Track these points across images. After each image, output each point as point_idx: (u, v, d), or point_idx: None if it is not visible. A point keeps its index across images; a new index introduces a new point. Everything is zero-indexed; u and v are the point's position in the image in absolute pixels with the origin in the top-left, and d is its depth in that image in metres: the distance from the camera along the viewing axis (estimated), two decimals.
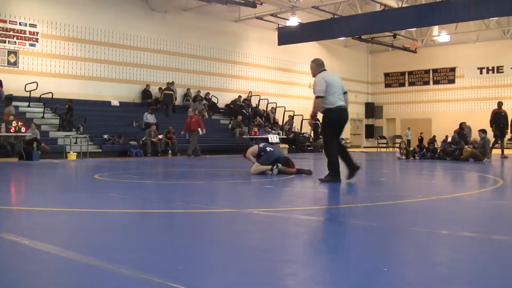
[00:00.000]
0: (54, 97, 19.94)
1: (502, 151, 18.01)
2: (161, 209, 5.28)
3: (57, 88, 20.54)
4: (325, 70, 7.75)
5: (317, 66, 7.75)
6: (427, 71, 35.90)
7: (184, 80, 25.60)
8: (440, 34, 31.70)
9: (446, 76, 35.19)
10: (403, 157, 17.10)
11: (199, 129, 18.81)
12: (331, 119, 7.57)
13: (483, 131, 16.17)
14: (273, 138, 22.83)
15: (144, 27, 24.09)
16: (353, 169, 7.88)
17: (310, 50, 32.64)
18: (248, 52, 29.26)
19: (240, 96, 27.90)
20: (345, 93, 7.76)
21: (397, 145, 24.59)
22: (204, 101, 25.26)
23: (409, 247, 3.50)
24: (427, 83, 36.00)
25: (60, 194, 6.75)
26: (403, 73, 37.04)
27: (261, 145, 9.88)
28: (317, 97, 7.59)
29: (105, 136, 19.31)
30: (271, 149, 9.64)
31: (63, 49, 21.37)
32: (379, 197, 6.54)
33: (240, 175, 10.52)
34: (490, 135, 17.07)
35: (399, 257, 3.23)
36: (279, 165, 9.41)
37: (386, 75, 37.91)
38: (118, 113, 22.19)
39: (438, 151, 17.62)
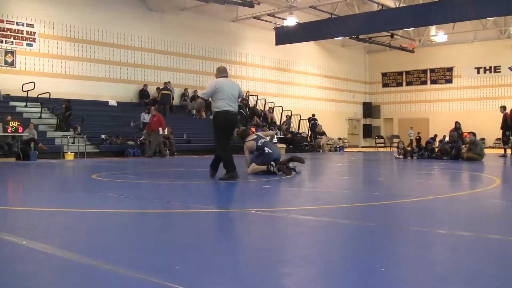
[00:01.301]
0: (51, 97, 19.89)
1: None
2: (159, 209, 5.28)
3: (55, 88, 20.49)
4: (224, 77, 8.32)
5: (218, 73, 8.44)
6: (424, 71, 35.94)
7: (182, 80, 25.59)
8: (438, 34, 31.72)
9: (444, 75, 35.23)
10: (401, 157, 17.11)
11: (160, 128, 17.99)
12: (217, 121, 8.15)
13: (473, 134, 16.50)
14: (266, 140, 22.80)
15: (141, 27, 24.06)
16: (213, 171, 8.42)
17: (308, 50, 32.67)
18: (246, 52, 29.25)
19: None
20: (240, 97, 8.38)
21: (395, 145, 24.63)
22: (201, 101, 25.22)
23: (407, 247, 3.50)
24: (424, 82, 36.04)
25: (58, 194, 6.73)
26: (400, 73, 37.07)
27: (260, 143, 9.76)
28: (199, 97, 8.35)
29: (103, 136, 19.27)
30: (270, 151, 9.57)
31: (61, 49, 21.33)
32: (377, 196, 6.54)
33: (239, 175, 10.50)
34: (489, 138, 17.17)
35: (397, 256, 3.23)
36: (273, 164, 9.36)
37: (384, 74, 37.94)
38: (116, 113, 22.14)
39: (436, 150, 17.63)
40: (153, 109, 19.04)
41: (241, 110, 8.39)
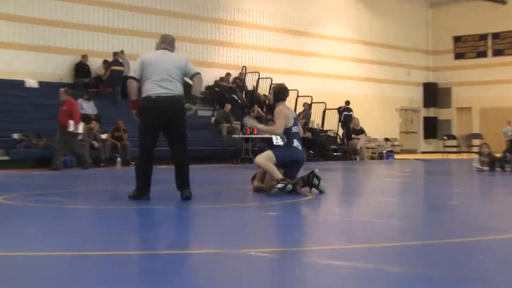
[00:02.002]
0: None
1: None
2: (104, 249, 5.25)
3: None
4: (165, 49, 8.80)
5: (158, 43, 8.99)
6: None
7: (139, 49, 25.59)
8: None
9: None
10: (485, 168, 17.06)
11: (70, 122, 17.38)
12: (141, 111, 8.62)
13: None
14: (279, 139, 22.80)
15: None
16: (181, 188, 8.67)
17: (337, 1, 32.69)
18: (241, 7, 29.30)
19: (228, 74, 27.91)
20: (195, 74, 8.80)
21: (476, 149, 24.57)
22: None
23: None
24: None
25: None
26: (484, 36, 37.07)
27: (294, 124, 9.97)
28: (129, 78, 9.12)
29: (16, 136, 19.24)
30: (298, 146, 9.77)
31: None
32: (446, 230, 6.52)
33: (228, 196, 10.50)
34: None
35: None
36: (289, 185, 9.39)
37: (457, 39, 37.96)
38: (37, 100, 22.12)
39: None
40: (61, 91, 18.17)
41: (192, 95, 8.71)
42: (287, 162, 9.60)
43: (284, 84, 10.40)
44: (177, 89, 8.49)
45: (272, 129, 10.11)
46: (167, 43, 8.85)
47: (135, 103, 8.79)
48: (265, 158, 9.59)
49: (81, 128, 18.18)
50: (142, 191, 8.54)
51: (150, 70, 8.49)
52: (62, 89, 18.36)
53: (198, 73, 8.80)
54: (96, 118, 20.63)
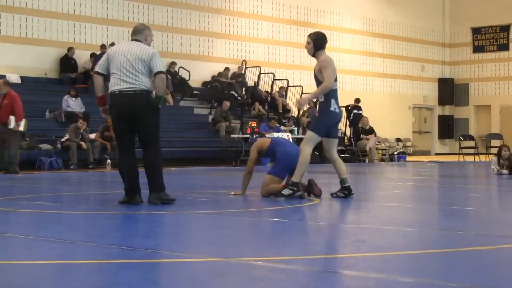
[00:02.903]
0: None
1: None
2: (93, 258, 5.28)
3: None
4: (134, 40, 8.84)
5: (131, 35, 9.05)
6: None
7: None
8: None
9: None
10: (505, 171, 17.08)
11: (11, 118, 16.84)
12: (110, 109, 8.78)
13: None
14: (284, 138, 22.79)
15: None
16: (150, 191, 8.74)
17: None
18: None
19: (227, 69, 27.90)
20: (156, 74, 8.62)
21: (494, 150, 24.58)
22: (167, 77, 25.32)
23: None
24: None
25: None
26: (505, 28, 37.02)
27: (273, 140, 10.11)
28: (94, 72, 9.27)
29: None
30: (285, 150, 9.76)
31: None
32: (464, 238, 6.54)
33: (226, 201, 10.51)
34: None
35: None
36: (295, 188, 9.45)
37: (476, 31, 37.91)
38: (20, 96, 22.13)
39: None
40: (1, 83, 17.61)
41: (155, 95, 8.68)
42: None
43: (321, 31, 10.07)
44: (141, 83, 8.49)
45: (322, 87, 9.43)
46: (136, 32, 8.90)
47: (100, 100, 8.87)
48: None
49: (22, 125, 17.27)
50: (130, 195, 8.64)
51: (114, 63, 8.59)
52: (1, 81, 17.77)
53: (161, 72, 8.66)
54: (83, 116, 20.61)
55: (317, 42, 9.51)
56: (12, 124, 16.61)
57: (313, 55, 9.59)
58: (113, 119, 8.77)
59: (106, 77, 8.78)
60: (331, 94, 9.53)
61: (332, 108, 9.39)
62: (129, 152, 8.73)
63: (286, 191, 9.35)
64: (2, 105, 16.92)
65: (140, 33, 8.84)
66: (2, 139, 17.10)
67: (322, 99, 9.54)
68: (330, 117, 9.49)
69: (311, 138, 9.48)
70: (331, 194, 9.66)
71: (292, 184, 9.39)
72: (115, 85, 8.52)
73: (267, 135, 10.36)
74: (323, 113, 9.53)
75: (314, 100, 28.30)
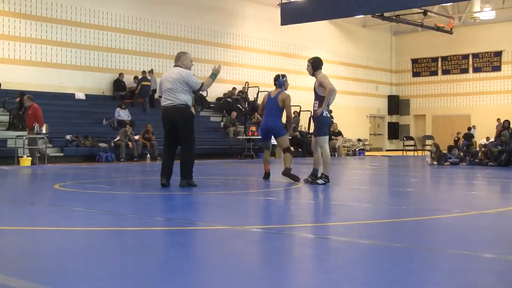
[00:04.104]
0: (2, 87, 19.89)
1: None
2: (137, 226, 5.28)
3: (7, 77, 20.48)
4: (176, 66, 8.82)
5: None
6: (465, 56, 35.94)
7: (165, 68, 25.59)
8: (483, 9, 31.64)
9: (490, 62, 35.17)
10: (435, 162, 17.12)
11: (36, 125, 16.61)
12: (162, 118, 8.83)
13: None
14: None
15: (116, 2, 24.07)
16: (181, 178, 8.71)
17: (321, 31, 32.66)
18: (244, 34, 29.25)
19: (234, 88, 27.90)
20: (199, 89, 8.81)
21: (428, 147, 24.60)
22: (201, 86, 25.27)
23: (443, 273, 3.48)
24: (465, 71, 36.03)
25: (11, 209, 6.72)
26: (435, 59, 37.07)
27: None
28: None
29: (68, 137, 19.28)
30: (327, 114, 9.45)
31: (14, 28, 21.33)
32: (406, 211, 6.54)
33: (234, 184, 10.51)
34: None
35: (430, 286, 3.22)
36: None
37: (414, 61, 37.94)
38: (84, 108, 22.14)
39: (479, 154, 17.62)
40: (26, 98, 17.42)
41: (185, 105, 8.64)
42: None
43: (317, 56, 9.94)
44: (178, 99, 8.49)
45: (328, 93, 9.19)
46: (176, 59, 8.88)
47: None
48: (327, 146, 9.39)
49: (44, 129, 16.95)
50: (162, 179, 8.66)
51: (162, 86, 8.67)
52: (26, 96, 17.57)
53: (201, 86, 8.73)
54: (130, 123, 20.64)
55: (315, 64, 9.41)
56: (36, 130, 16.52)
57: (312, 75, 9.46)
58: (163, 125, 8.78)
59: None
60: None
61: (324, 114, 9.34)
62: (170, 148, 8.78)
63: (320, 181, 9.22)
64: (27, 115, 16.95)
65: (178, 59, 8.81)
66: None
67: (316, 107, 9.33)
68: (326, 120, 9.37)
69: (324, 140, 9.34)
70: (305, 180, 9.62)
71: (325, 177, 9.28)
72: (162, 102, 8.66)
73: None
74: (320, 119, 9.27)
75: (298, 110, 28.41)
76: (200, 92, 9.03)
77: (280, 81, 10.42)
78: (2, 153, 17.00)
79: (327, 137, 9.40)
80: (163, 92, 8.63)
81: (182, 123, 8.57)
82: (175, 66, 8.81)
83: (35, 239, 4.58)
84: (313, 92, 9.50)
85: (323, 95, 9.19)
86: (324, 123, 9.35)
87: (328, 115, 9.40)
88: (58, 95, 22.05)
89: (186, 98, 8.59)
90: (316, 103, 9.33)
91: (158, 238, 4.79)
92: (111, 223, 5.43)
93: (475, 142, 26.37)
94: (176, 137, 8.65)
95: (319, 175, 9.40)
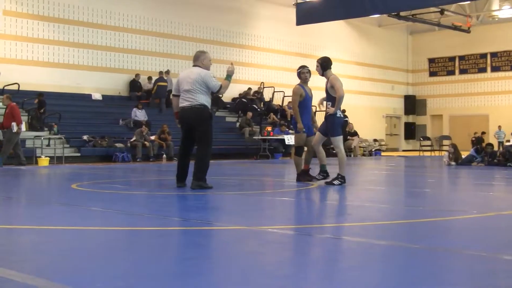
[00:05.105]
0: (20, 89, 20.04)
1: None
2: (154, 226, 5.29)
3: (25, 78, 20.64)
4: (195, 65, 8.65)
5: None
6: (483, 55, 35.67)
7: (181, 69, 25.66)
8: (502, 8, 31.38)
9: (509, 61, 34.84)
10: (453, 163, 17.01)
11: (13, 124, 15.95)
12: (179, 119, 8.70)
13: None
14: (290, 139, 22.80)
15: (131, 4, 24.18)
16: (193, 179, 8.53)
17: (336, 31, 32.58)
18: (259, 34, 29.26)
19: (250, 88, 27.91)
20: (218, 90, 8.67)
21: (445, 148, 24.46)
22: (221, 87, 25.30)
23: (461, 275, 3.47)
24: (483, 70, 35.77)
25: (29, 208, 6.78)
26: (452, 59, 36.84)
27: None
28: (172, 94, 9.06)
29: (85, 137, 19.40)
30: (340, 115, 9.39)
31: (32, 29, 21.50)
32: (423, 212, 6.50)
33: (250, 185, 10.51)
34: None
35: (448, 286, 3.20)
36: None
37: (431, 61, 37.73)
38: (101, 109, 22.28)
39: (498, 154, 17.49)
40: (5, 97, 16.93)
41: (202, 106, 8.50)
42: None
43: (326, 56, 9.76)
44: (196, 100, 8.37)
45: (339, 97, 9.08)
46: (195, 59, 8.71)
47: (176, 114, 8.77)
48: (342, 147, 9.32)
49: (23, 127, 16.57)
50: (177, 179, 8.65)
51: (180, 86, 8.53)
52: (4, 95, 17.07)
53: (220, 88, 8.64)
54: (146, 123, 20.72)
55: (324, 64, 9.31)
56: (14, 128, 15.86)
57: (322, 75, 9.36)
58: (180, 125, 8.65)
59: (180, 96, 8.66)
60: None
61: (338, 115, 9.27)
62: (185, 149, 8.74)
63: (336, 182, 9.15)
64: (5, 114, 16.30)
65: (197, 59, 8.64)
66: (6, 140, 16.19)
67: (329, 107, 9.21)
68: (338, 121, 9.29)
69: (339, 140, 9.26)
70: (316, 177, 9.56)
71: (342, 177, 9.19)
72: (180, 103, 8.51)
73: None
74: (333, 119, 9.18)
75: (314, 111, 28.33)
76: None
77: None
78: None
79: (341, 137, 9.33)
80: (181, 92, 8.50)
81: (199, 125, 8.47)
82: (194, 65, 8.67)
83: (52, 238, 4.61)
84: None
85: (335, 95, 9.14)
86: (338, 123, 9.30)
87: (341, 115, 9.35)
88: (75, 95, 22.21)
89: (205, 99, 8.48)
90: (329, 104, 9.26)
91: (174, 238, 4.81)
92: (128, 223, 5.46)
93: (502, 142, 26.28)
94: (193, 138, 8.58)
95: (325, 174, 9.39)
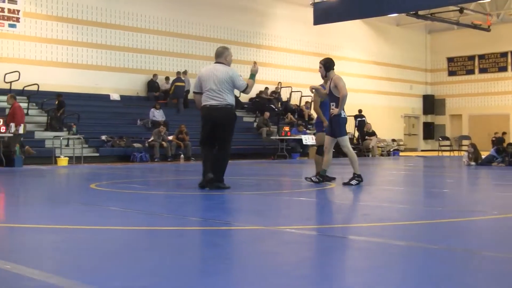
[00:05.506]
0: (40, 89, 20.20)
1: None
2: (172, 226, 5.32)
3: (44, 79, 20.81)
4: (219, 62, 8.45)
5: (214, 57, 8.61)
6: (504, 54, 35.36)
7: (198, 69, 25.71)
8: None
9: None
10: (472, 162, 16.89)
11: (11, 125, 15.71)
12: (201, 117, 8.49)
13: None
14: (308, 139, 22.79)
15: (149, 4, 24.29)
16: (206, 179, 8.34)
17: (353, 30, 32.48)
18: (276, 34, 29.24)
19: (267, 88, 27.91)
20: (244, 90, 8.52)
21: (464, 148, 24.28)
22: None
23: (480, 276, 3.44)
24: (503, 69, 35.45)
25: (48, 208, 6.83)
26: (472, 57, 36.57)
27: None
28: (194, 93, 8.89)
29: (103, 137, 19.52)
30: (345, 116, 9.44)
31: (51, 31, 21.66)
32: (442, 212, 6.47)
33: (268, 185, 10.52)
34: None
35: None
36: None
37: (450, 60, 37.49)
38: (119, 109, 22.40)
39: None
40: (8, 96, 16.82)
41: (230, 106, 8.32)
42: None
43: (329, 57, 9.79)
44: (225, 100, 8.20)
45: (342, 97, 9.11)
46: (218, 55, 8.49)
47: (199, 105, 8.59)
48: (349, 146, 9.35)
49: (21, 129, 16.08)
50: (205, 174, 8.31)
51: (204, 84, 8.30)
52: (8, 95, 16.89)
53: (246, 87, 8.48)
54: (164, 123, 20.80)
55: (327, 65, 9.35)
56: (12, 129, 15.66)
57: (325, 76, 9.40)
58: (202, 123, 8.45)
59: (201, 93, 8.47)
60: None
61: (342, 115, 9.27)
62: (210, 148, 8.41)
63: (354, 182, 9.15)
64: (8, 114, 16.20)
65: (220, 55, 8.44)
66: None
67: (333, 107, 9.22)
68: (343, 121, 9.31)
69: (345, 139, 9.28)
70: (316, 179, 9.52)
71: (358, 176, 9.20)
72: (204, 101, 8.27)
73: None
74: (337, 119, 9.18)
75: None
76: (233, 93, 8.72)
77: None
78: (40, 153, 17.28)
79: (347, 137, 9.36)
80: (207, 90, 8.27)
81: (227, 125, 8.35)
82: (216, 62, 8.45)
83: (72, 238, 4.65)
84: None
85: (339, 96, 9.13)
86: (342, 123, 9.30)
87: (345, 116, 9.33)
88: (94, 96, 22.36)
89: (232, 99, 8.38)
90: (333, 105, 9.23)
91: (192, 237, 4.82)
92: (146, 223, 5.48)
93: None
94: (215, 137, 8.38)
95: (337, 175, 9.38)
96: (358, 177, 9.18)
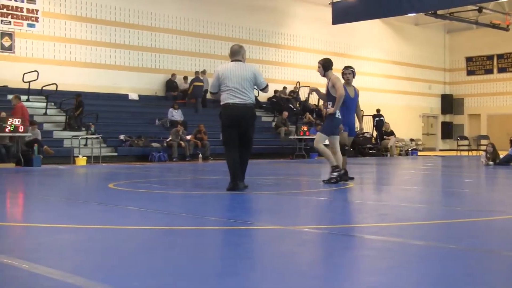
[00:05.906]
0: (58, 89, 20.32)
1: None
2: (190, 225, 5.32)
3: (63, 79, 20.94)
4: (237, 60, 8.26)
5: (229, 55, 8.41)
6: None
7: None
8: None
9: None
10: (491, 162, 16.75)
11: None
12: (222, 117, 8.25)
13: None
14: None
15: (168, 4, 24.36)
16: (233, 182, 8.09)
17: (372, 30, 32.36)
18: (295, 34, 29.22)
19: (285, 88, 27.90)
20: (263, 89, 8.41)
21: (483, 147, 24.09)
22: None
23: (500, 276, 3.41)
24: None
25: (67, 208, 6.87)
26: (490, 57, 36.31)
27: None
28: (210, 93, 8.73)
29: (122, 137, 19.61)
30: (339, 116, 9.39)
31: (70, 30, 21.80)
32: (460, 212, 6.42)
33: (286, 184, 10.50)
34: None
35: None
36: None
37: (469, 59, 37.25)
38: (137, 109, 22.49)
39: None
40: (13, 97, 16.94)
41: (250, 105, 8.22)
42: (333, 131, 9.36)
43: (327, 57, 9.95)
44: (249, 98, 8.08)
45: (339, 97, 9.14)
46: (235, 54, 8.30)
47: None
48: (319, 142, 9.38)
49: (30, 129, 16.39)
50: (234, 182, 8.06)
51: (224, 82, 8.07)
52: (13, 96, 16.97)
53: (266, 86, 8.35)
54: (182, 123, 20.86)
55: (325, 65, 9.48)
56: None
57: (323, 75, 9.52)
58: (225, 122, 8.15)
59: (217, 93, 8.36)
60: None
61: (336, 115, 9.28)
62: (233, 144, 8.13)
63: (334, 174, 9.21)
64: (12, 114, 16.24)
65: (237, 54, 8.26)
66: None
67: (329, 107, 9.29)
68: (335, 121, 9.33)
69: (322, 139, 9.36)
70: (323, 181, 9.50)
71: (336, 167, 9.24)
72: (228, 99, 8.05)
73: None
74: (330, 118, 9.26)
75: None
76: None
77: None
78: (58, 152, 17.39)
79: (326, 137, 9.36)
80: (229, 89, 8.05)
81: (252, 124, 8.26)
82: (234, 60, 8.27)
83: (90, 237, 4.67)
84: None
85: (336, 95, 9.14)
86: (335, 124, 9.34)
87: (340, 117, 9.35)
88: (112, 96, 22.48)
89: (253, 97, 8.29)
90: (329, 104, 9.32)
91: (211, 237, 4.83)
92: (165, 222, 5.50)
93: None
94: (239, 137, 8.17)
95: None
96: (336, 168, 9.21)
